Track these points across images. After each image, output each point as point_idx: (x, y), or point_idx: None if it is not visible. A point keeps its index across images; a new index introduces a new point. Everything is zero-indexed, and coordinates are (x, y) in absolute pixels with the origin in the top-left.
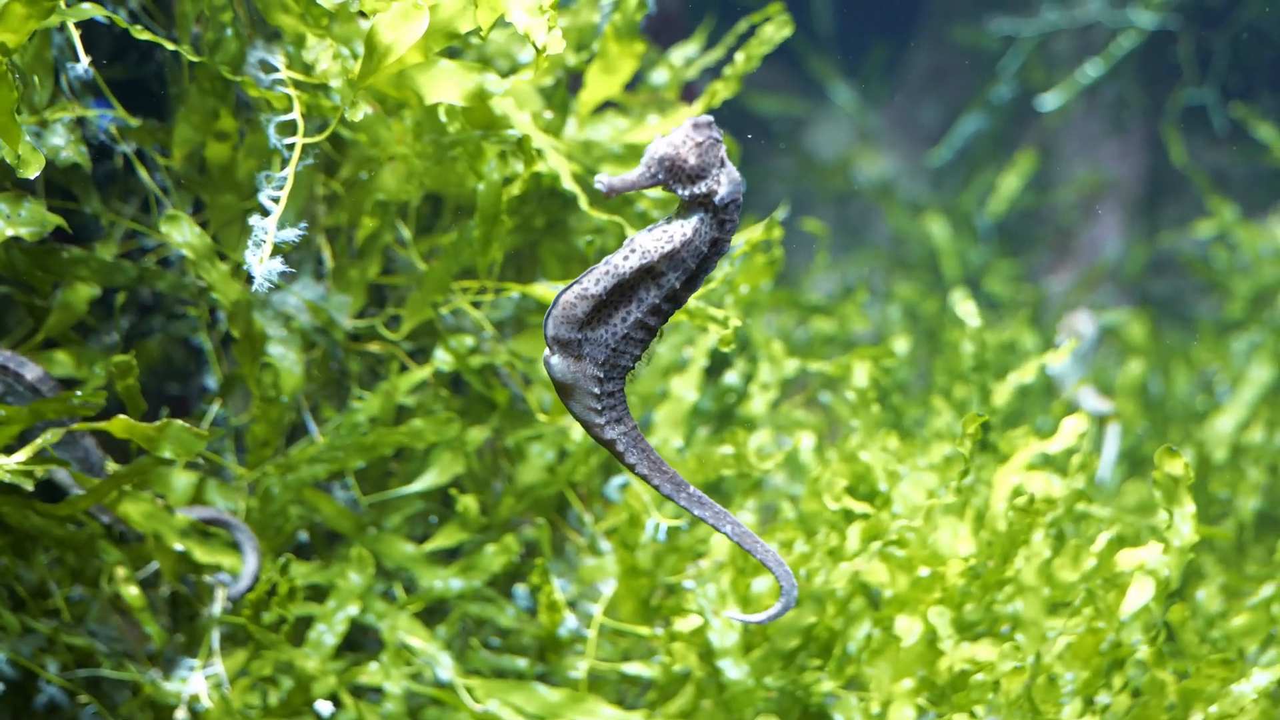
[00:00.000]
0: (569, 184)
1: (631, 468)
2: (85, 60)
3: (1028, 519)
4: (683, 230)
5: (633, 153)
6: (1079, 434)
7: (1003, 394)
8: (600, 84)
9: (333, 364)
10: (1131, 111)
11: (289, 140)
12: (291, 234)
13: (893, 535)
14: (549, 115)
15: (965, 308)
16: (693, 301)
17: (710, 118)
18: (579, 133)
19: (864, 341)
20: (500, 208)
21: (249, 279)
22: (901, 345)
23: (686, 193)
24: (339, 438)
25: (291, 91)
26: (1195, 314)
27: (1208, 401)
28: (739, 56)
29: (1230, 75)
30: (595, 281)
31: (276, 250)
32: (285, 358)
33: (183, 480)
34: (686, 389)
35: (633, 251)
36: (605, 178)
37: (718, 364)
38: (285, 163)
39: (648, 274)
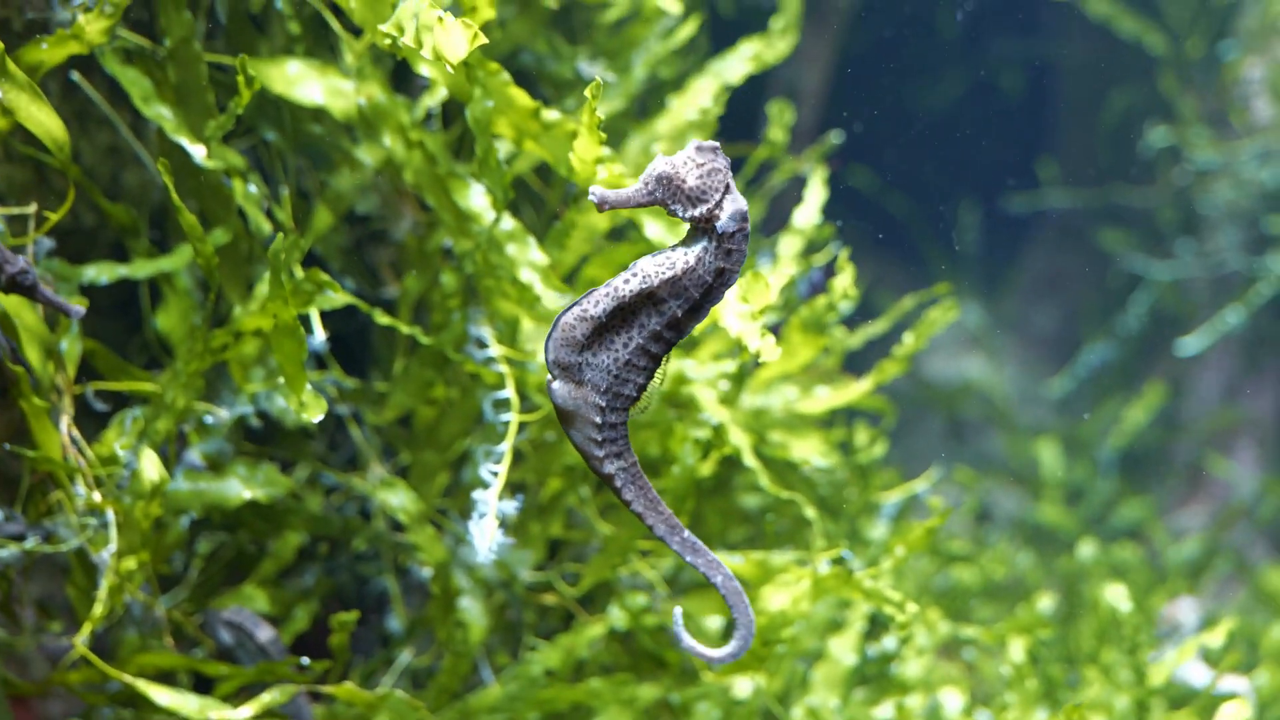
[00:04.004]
0: (750, 460)
1: (627, 504)
2: (322, 335)
3: None
4: (685, 257)
5: (801, 421)
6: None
7: (1159, 674)
8: (779, 364)
9: (510, 613)
10: (1267, 348)
11: (504, 417)
12: (511, 506)
13: None
14: (725, 385)
15: (1115, 592)
16: (869, 580)
17: (716, 144)
18: (750, 400)
19: (1002, 589)
20: (691, 489)
21: (474, 548)
22: (1046, 603)
23: (686, 215)
24: (518, 689)
25: (504, 369)
26: None
27: None
28: (908, 337)
29: None
30: (595, 304)
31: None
32: (471, 610)
33: None
34: (845, 652)
35: (634, 275)
36: (599, 190)
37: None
38: (488, 425)
39: (649, 299)
